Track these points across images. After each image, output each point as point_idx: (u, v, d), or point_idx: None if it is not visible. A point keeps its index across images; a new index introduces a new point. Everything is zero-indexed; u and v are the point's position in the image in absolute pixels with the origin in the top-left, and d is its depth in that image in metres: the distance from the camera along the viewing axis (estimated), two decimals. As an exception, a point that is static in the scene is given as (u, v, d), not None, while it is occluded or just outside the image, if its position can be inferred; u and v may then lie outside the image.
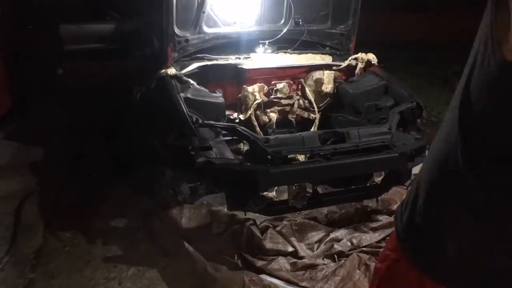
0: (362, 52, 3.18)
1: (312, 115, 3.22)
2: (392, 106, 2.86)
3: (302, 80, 3.19)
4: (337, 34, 3.36)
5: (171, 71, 2.60)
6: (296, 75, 3.17)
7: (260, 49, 3.22)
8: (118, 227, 2.74)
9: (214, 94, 2.69)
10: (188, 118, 2.27)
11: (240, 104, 3.02)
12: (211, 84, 2.80)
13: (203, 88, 2.67)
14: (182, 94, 2.47)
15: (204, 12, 2.87)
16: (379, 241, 2.64)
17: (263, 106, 3.04)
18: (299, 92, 3.21)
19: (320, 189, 2.73)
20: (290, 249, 2.50)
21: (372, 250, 2.55)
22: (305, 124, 3.22)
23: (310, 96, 3.16)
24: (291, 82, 3.14)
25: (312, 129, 3.12)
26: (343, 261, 2.47)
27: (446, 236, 0.95)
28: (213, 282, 2.23)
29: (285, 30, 3.15)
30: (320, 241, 2.61)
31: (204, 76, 2.84)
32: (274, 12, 3.26)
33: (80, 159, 3.47)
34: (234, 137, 2.52)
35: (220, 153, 2.24)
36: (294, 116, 3.21)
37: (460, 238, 0.93)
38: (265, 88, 2.99)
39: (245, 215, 2.66)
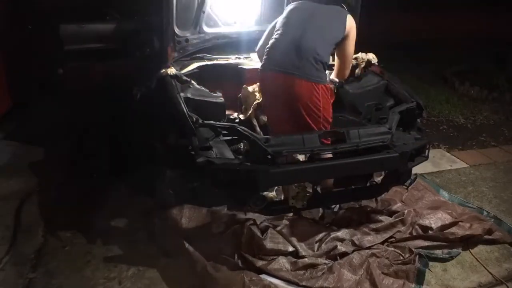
0: (362, 52, 3.18)
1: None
2: (392, 106, 2.86)
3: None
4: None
5: (171, 71, 2.60)
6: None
7: (260, 49, 3.21)
8: (118, 227, 2.74)
9: (214, 94, 2.68)
10: (188, 118, 2.27)
11: (240, 104, 3.02)
12: (211, 84, 2.80)
13: (203, 88, 2.67)
14: (182, 94, 2.48)
15: (204, 12, 2.87)
16: (382, 242, 2.65)
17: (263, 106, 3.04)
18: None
19: (320, 189, 2.73)
20: (291, 248, 2.50)
21: (377, 251, 2.55)
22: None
23: (310, 96, 3.16)
24: None
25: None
26: (344, 259, 2.47)
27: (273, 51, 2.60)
28: (213, 282, 2.23)
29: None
30: (320, 240, 2.61)
31: (204, 76, 2.84)
32: (274, 12, 3.26)
33: (80, 159, 3.47)
34: (234, 137, 2.52)
35: (220, 153, 2.24)
36: (294, 116, 3.21)
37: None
38: (265, 88, 2.98)
39: (245, 215, 2.66)
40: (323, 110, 2.57)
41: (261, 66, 2.63)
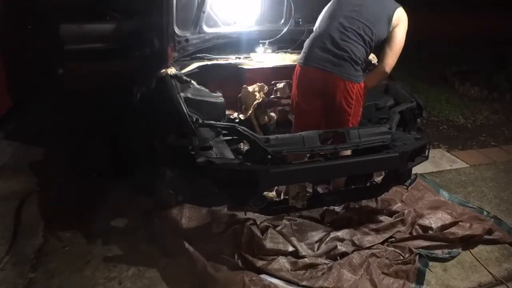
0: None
1: (312, 114, 3.21)
2: (392, 106, 2.86)
3: (302, 79, 3.18)
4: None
5: (171, 71, 2.60)
6: (296, 74, 3.17)
7: (260, 49, 3.22)
8: (118, 227, 2.74)
9: (214, 94, 2.68)
10: (188, 118, 2.27)
11: (240, 104, 3.02)
12: (211, 84, 2.80)
13: (203, 88, 2.67)
14: (182, 94, 2.47)
15: (204, 12, 2.87)
16: (382, 242, 2.65)
17: (263, 106, 3.04)
18: (299, 92, 3.20)
19: (320, 189, 2.73)
20: (291, 248, 2.50)
21: (377, 251, 2.55)
22: (305, 124, 3.21)
23: (310, 96, 3.16)
24: (291, 81, 3.14)
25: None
26: (344, 259, 2.47)
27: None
28: (213, 282, 2.23)
29: (285, 30, 3.16)
30: (320, 240, 2.61)
31: (204, 76, 2.84)
32: (274, 12, 3.26)
33: (80, 159, 3.47)
34: (234, 137, 2.52)
35: (220, 153, 2.24)
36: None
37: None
38: (265, 88, 2.99)
39: (245, 215, 2.66)
40: (354, 107, 2.63)
41: (301, 59, 2.69)
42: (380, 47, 2.69)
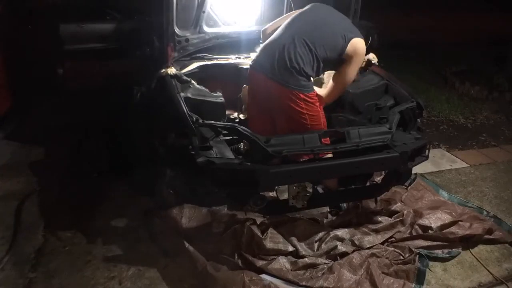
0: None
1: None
2: (392, 105, 2.86)
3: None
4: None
5: (171, 70, 2.60)
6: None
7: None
8: (118, 227, 2.74)
9: (214, 94, 2.68)
10: (188, 118, 2.27)
11: (240, 104, 3.02)
12: (211, 83, 2.80)
13: (203, 88, 2.67)
14: (182, 94, 2.47)
15: (204, 12, 2.87)
16: (382, 242, 2.65)
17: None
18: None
19: (320, 189, 2.72)
20: (291, 248, 2.50)
21: (377, 251, 2.55)
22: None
23: (310, 95, 3.15)
24: None
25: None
26: (344, 259, 2.47)
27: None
28: (213, 282, 2.23)
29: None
30: (320, 240, 2.61)
31: (204, 75, 2.84)
32: (274, 12, 3.26)
33: (80, 159, 3.47)
34: (234, 137, 2.52)
35: (220, 152, 2.24)
36: (294, 116, 3.20)
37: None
38: (265, 88, 2.98)
39: (245, 214, 2.66)
40: (310, 118, 2.53)
41: (250, 63, 2.68)
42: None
